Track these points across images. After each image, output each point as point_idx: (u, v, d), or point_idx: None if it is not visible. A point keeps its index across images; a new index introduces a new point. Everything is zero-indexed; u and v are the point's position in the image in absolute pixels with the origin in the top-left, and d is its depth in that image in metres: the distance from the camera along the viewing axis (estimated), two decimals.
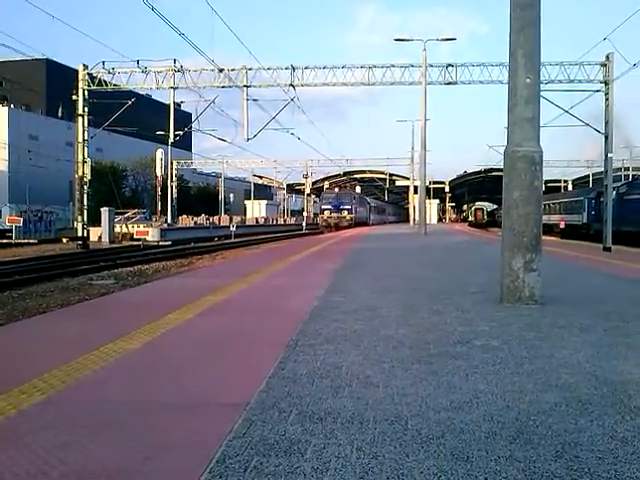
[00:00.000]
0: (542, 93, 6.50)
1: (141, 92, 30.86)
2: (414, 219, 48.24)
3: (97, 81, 25.66)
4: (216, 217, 58.56)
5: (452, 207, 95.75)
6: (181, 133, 28.36)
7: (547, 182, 56.98)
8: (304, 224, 57.89)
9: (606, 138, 20.20)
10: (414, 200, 49.67)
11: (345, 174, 75.46)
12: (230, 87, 25.64)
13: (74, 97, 25.88)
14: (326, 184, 73.45)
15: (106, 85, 25.91)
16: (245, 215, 72.00)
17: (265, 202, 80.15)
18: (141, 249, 26.75)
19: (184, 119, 40.75)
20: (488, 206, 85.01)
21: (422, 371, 3.36)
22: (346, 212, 52.34)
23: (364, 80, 25.23)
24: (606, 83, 21.15)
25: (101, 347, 3.95)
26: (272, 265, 10.88)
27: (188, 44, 21.67)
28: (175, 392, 3.01)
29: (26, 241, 32.23)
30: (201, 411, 2.72)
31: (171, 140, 28.97)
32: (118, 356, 3.72)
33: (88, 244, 27.43)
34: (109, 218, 33.51)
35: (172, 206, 52.26)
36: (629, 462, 2.14)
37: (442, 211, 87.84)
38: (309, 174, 67.17)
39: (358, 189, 71.14)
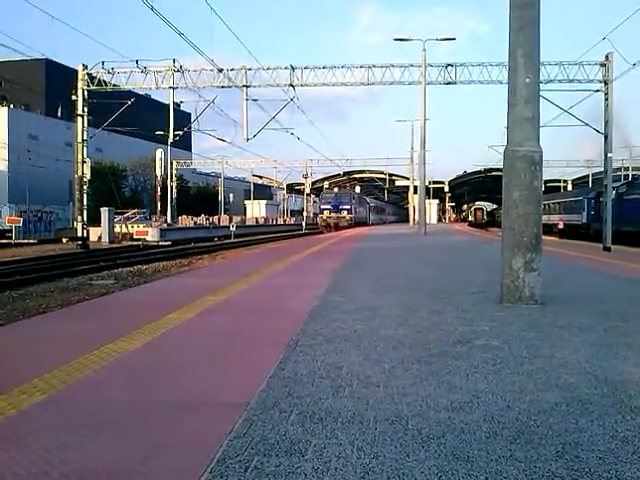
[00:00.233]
0: (542, 93, 6.51)
1: (140, 92, 30.85)
2: (414, 219, 48.24)
3: (96, 81, 25.66)
4: (216, 217, 58.54)
5: (452, 207, 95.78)
6: (181, 133, 28.34)
7: (546, 182, 57.02)
8: (304, 224, 57.88)
9: (606, 138, 20.21)
10: (414, 200, 49.66)
11: (345, 174, 75.47)
12: (230, 87, 25.65)
13: (73, 97, 25.89)
14: (326, 184, 73.46)
15: (105, 85, 25.92)
16: (245, 215, 71.98)
17: (265, 202, 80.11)
18: (141, 249, 26.76)
19: (184, 119, 40.75)
20: (488, 206, 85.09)
21: (422, 371, 3.36)
22: (345, 212, 52.33)
23: (364, 80, 25.24)
24: (606, 83, 21.17)
25: (101, 347, 3.95)
26: (272, 265, 10.88)
27: (187, 44, 21.77)
28: (175, 392, 3.01)
29: (26, 241, 32.25)
30: (201, 411, 2.72)
31: (171, 140, 28.98)
32: (118, 356, 3.72)
33: (88, 244, 27.43)
34: (109, 218, 33.51)
35: (172, 206, 52.25)
36: (630, 462, 2.14)
37: (442, 211, 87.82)
38: (309, 174, 67.17)
39: (358, 189, 71.13)
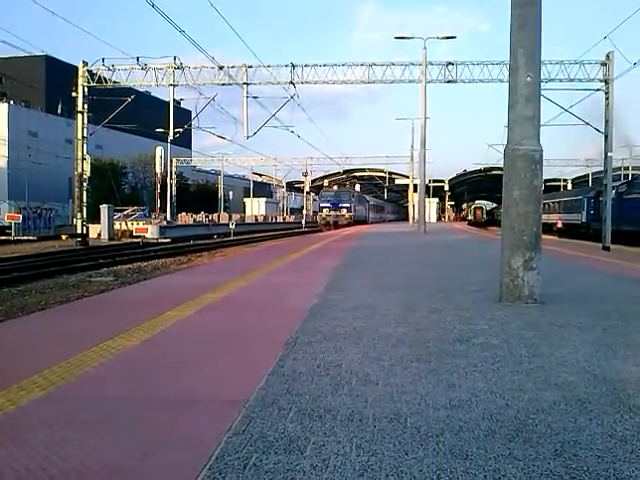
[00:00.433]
0: (542, 92, 6.50)
1: (141, 89, 30.85)
2: (413, 218, 48.23)
3: (97, 78, 25.64)
4: (215, 215, 58.55)
5: (451, 206, 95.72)
6: (181, 130, 28.28)
7: (546, 181, 57.00)
8: (303, 222, 57.87)
9: (606, 137, 20.20)
10: (413, 198, 49.64)
11: (345, 172, 75.45)
12: (230, 85, 25.64)
13: (74, 94, 25.86)
14: (325, 182, 73.41)
15: (106, 82, 25.90)
16: (244, 213, 71.99)
17: (264, 200, 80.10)
18: (140, 246, 26.76)
19: (184, 116, 40.69)
20: (487, 205, 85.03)
21: (421, 369, 3.37)
22: (345, 210, 52.31)
23: (364, 78, 25.21)
24: (606, 82, 21.16)
25: (100, 344, 3.95)
26: (271, 263, 10.88)
27: (188, 41, 21.68)
28: (174, 389, 3.01)
29: (25, 238, 32.25)
30: (200, 408, 2.72)
31: (171, 137, 28.94)
32: (117, 353, 3.72)
33: (87, 241, 27.43)
34: (108, 215, 33.52)
35: (171, 203, 52.23)
36: (628, 461, 2.14)
37: (441, 210, 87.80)
38: (308, 172, 67.14)
39: (357, 187, 71.15)
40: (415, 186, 46.08)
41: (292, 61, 25.01)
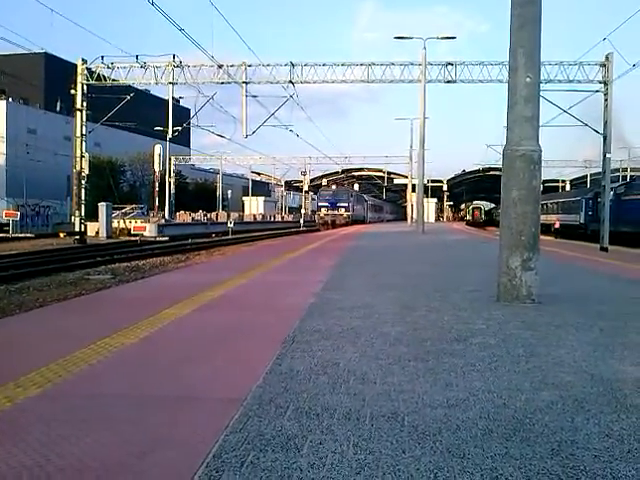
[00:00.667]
0: (541, 92, 6.50)
1: (140, 87, 30.72)
2: (412, 217, 48.24)
3: (96, 76, 25.58)
4: (214, 213, 58.48)
5: (450, 206, 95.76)
6: (180, 129, 28.22)
7: (545, 182, 57.05)
8: (302, 221, 57.85)
9: (605, 138, 20.22)
10: (412, 198, 49.65)
11: (343, 172, 75.40)
12: (229, 83, 25.59)
13: (73, 91, 25.80)
14: (324, 181, 73.32)
15: (105, 80, 25.85)
16: (243, 212, 71.88)
17: (263, 199, 79.98)
18: (138, 244, 26.74)
19: (183, 115, 40.67)
20: (486, 205, 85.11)
21: (419, 368, 3.37)
22: (343, 209, 52.29)
23: (364, 78, 25.19)
24: (605, 83, 21.17)
25: (98, 341, 3.95)
26: (269, 262, 10.88)
27: (188, 39, 21.66)
28: (172, 387, 3.01)
29: (23, 235, 32.22)
30: (198, 406, 2.72)
31: (170, 136, 28.88)
32: (115, 350, 3.72)
33: (85, 239, 27.37)
34: (107, 213, 33.50)
35: (170, 202, 52.18)
36: (625, 460, 2.15)
37: (440, 210, 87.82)
38: (307, 171, 67.08)
39: (356, 187, 71.16)
40: (414, 186, 46.09)
41: (291, 60, 25.01)
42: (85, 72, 25.60)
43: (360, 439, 2.31)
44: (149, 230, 33.69)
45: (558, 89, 23.08)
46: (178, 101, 38.45)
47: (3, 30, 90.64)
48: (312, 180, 73.40)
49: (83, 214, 26.98)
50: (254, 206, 76.32)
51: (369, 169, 73.74)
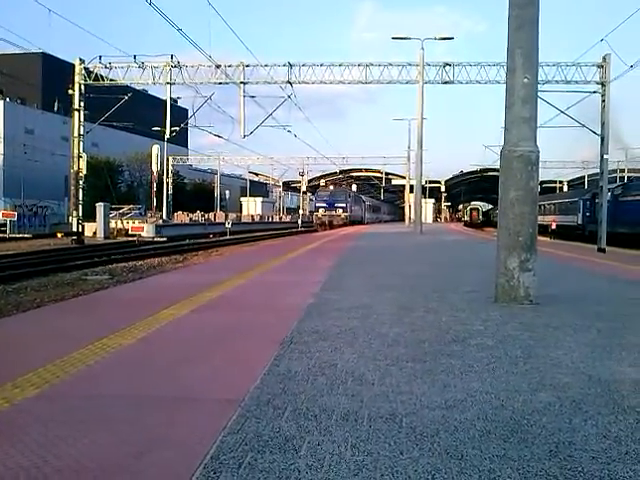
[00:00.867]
0: (539, 93, 6.51)
1: (138, 87, 30.72)
2: (409, 218, 48.26)
3: (93, 75, 25.57)
4: (211, 214, 58.42)
5: (447, 207, 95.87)
6: (177, 129, 28.22)
7: (542, 183, 57.11)
8: (299, 222, 57.83)
9: (602, 139, 20.25)
10: (410, 199, 49.67)
11: (341, 172, 75.39)
12: (227, 83, 25.60)
13: (70, 91, 25.79)
14: (322, 182, 73.36)
15: (102, 80, 25.84)
16: (241, 212, 71.83)
17: (261, 199, 79.93)
18: (136, 245, 26.70)
19: (180, 115, 40.67)
20: (483, 206, 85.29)
21: (417, 369, 3.37)
22: (340, 210, 52.30)
23: (361, 78, 25.22)
24: (603, 84, 21.22)
25: (96, 342, 3.94)
26: (267, 262, 10.87)
27: (185, 39, 21.63)
28: (170, 387, 3.01)
29: (20, 236, 32.12)
30: (195, 407, 2.72)
31: (167, 136, 28.85)
32: (113, 351, 3.71)
33: (83, 239, 27.32)
34: (104, 213, 33.42)
35: (167, 202, 52.13)
36: (622, 461, 2.15)
37: (437, 210, 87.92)
38: (305, 172, 67.07)
39: (354, 187, 71.13)
40: (411, 187, 46.07)
41: (289, 60, 25.02)
42: (83, 72, 25.58)
43: (358, 440, 2.31)
44: (147, 230, 33.62)
45: (556, 90, 23.13)
46: (176, 101, 38.47)
47: (1, 30, 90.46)
48: (310, 181, 73.36)
49: (81, 214, 26.95)
50: (252, 207, 76.26)
51: (367, 170, 73.76)
